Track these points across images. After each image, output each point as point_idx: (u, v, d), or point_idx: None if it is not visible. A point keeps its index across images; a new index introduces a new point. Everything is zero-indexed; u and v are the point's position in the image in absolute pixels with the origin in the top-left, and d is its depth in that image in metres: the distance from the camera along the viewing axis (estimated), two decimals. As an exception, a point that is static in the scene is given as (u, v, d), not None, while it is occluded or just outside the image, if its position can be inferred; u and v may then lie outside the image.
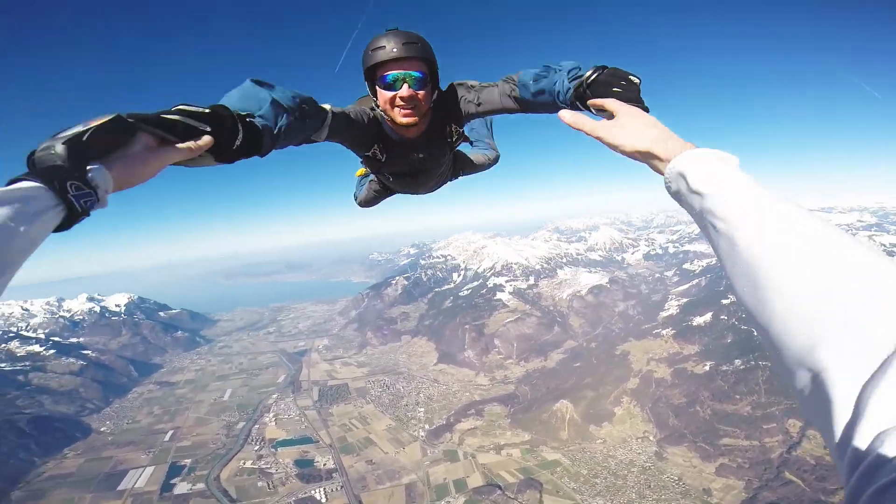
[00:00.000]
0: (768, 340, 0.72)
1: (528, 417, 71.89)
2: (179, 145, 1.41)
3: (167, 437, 74.61)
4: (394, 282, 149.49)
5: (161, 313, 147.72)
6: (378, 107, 2.63)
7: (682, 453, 57.03)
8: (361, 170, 3.47)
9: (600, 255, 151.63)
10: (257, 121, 1.70)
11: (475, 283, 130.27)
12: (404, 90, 2.45)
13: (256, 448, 70.23)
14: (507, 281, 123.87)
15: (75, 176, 1.10)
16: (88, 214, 1.15)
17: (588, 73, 1.98)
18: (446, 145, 3.07)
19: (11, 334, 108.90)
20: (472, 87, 2.81)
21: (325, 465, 65.63)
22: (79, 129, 1.19)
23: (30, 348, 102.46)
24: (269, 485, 60.52)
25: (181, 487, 61.06)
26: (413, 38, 2.47)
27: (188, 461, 67.05)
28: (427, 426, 75.08)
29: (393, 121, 2.60)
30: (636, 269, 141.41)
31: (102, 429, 79.61)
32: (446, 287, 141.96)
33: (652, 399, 67.54)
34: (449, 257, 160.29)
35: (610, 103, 1.66)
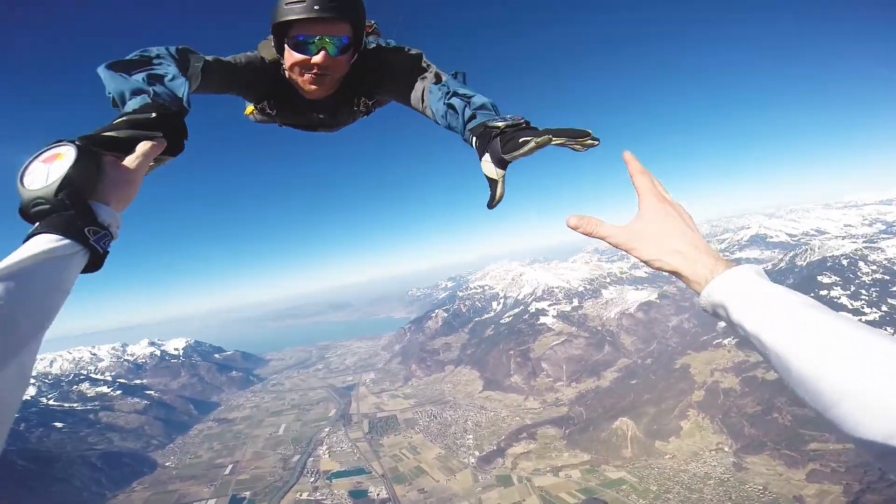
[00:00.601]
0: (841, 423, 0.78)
1: (585, 438, 68.95)
2: (140, 155, 1.40)
3: (227, 471, 76.27)
4: (434, 315, 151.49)
5: (216, 355, 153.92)
6: (282, 64, 2.24)
7: (765, 462, 53.05)
8: (250, 107, 2.91)
9: (646, 272, 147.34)
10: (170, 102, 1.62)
11: (516, 310, 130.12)
12: (319, 57, 2.04)
13: (312, 480, 70.89)
14: (549, 305, 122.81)
15: (90, 221, 1.14)
16: (108, 252, 1.19)
17: (498, 124, 1.70)
18: (351, 115, 2.76)
19: (82, 377, 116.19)
20: (400, 58, 2.46)
21: (378, 495, 65.32)
22: (58, 171, 1.17)
23: (98, 389, 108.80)
24: (325, 516, 60.22)
25: (241, 520, 61.27)
26: None
27: (248, 493, 68.18)
28: (477, 452, 73.58)
29: (299, 84, 2.24)
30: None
31: (167, 463, 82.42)
32: (486, 316, 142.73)
33: (722, 410, 63.54)
34: (487, 287, 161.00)
35: (641, 185, 1.40)
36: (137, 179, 1.37)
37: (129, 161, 1.37)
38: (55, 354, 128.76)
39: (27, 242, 1.06)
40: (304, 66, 2.10)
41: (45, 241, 1.06)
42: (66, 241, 1.08)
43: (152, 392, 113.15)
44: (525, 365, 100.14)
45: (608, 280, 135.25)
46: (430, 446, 78.30)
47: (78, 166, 1.19)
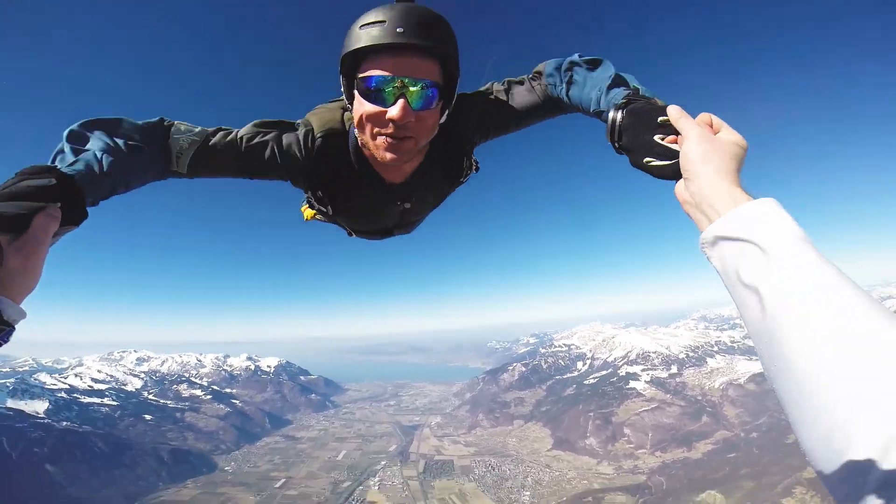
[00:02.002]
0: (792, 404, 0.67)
1: None
2: (40, 232, 1.14)
3: (278, 485, 78.90)
4: (511, 367, 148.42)
5: (302, 377, 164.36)
6: (350, 120, 1.64)
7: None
8: (309, 212, 2.34)
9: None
10: (68, 170, 1.24)
11: (604, 372, 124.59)
12: (397, 109, 1.36)
13: (354, 508, 69.28)
14: (643, 370, 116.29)
15: None
16: (8, 342, 1.03)
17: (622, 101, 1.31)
18: (449, 186, 1.99)
19: (183, 378, 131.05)
20: (488, 93, 1.84)
21: (415, 536, 60.78)
22: None
23: (193, 392, 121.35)
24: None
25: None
26: (434, 19, 1.38)
27: None
28: None
29: (375, 155, 1.53)
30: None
31: (226, 468, 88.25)
32: (569, 375, 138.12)
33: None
34: (573, 346, 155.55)
35: (686, 126, 1.09)
36: (39, 264, 1.11)
37: (28, 242, 1.11)
38: (168, 356, 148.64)
39: None
40: (378, 122, 1.42)
41: None
42: None
43: (237, 402, 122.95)
44: (604, 428, 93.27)
45: (715, 349, 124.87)
46: (482, 497, 75.87)
47: None
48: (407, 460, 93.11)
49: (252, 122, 1.62)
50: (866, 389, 0.57)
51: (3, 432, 75.37)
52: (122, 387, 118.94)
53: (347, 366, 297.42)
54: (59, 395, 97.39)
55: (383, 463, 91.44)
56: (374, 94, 1.37)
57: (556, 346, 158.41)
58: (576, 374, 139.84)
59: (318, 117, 1.65)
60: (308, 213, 2.28)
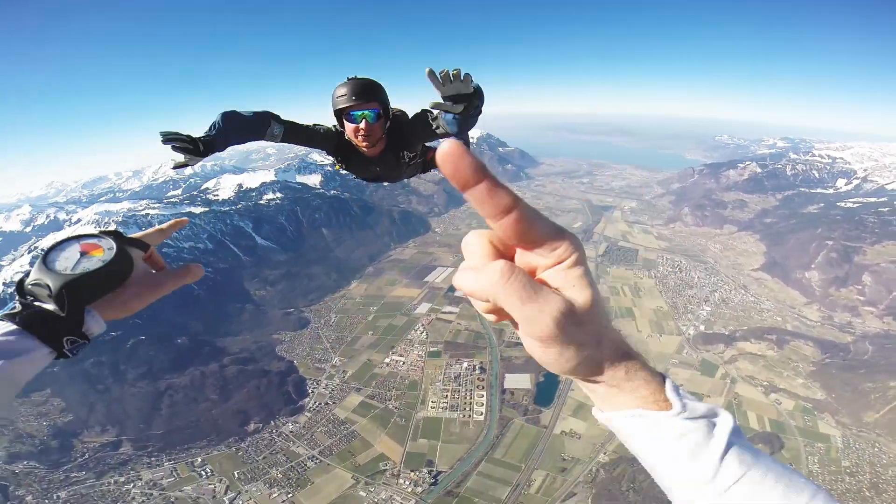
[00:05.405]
0: None
1: (839, 378, 54.23)
2: (180, 279, 1.30)
3: None
4: (742, 165, 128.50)
5: (500, 148, 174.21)
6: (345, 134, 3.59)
7: None
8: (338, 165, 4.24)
9: None
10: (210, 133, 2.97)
11: (873, 199, 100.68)
12: (363, 124, 3.38)
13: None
14: None
15: (73, 330, 1.06)
16: (76, 355, 1.11)
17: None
18: (400, 165, 3.88)
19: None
20: (417, 115, 3.56)
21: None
22: (84, 265, 1.11)
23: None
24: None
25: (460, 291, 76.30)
26: (367, 85, 3.35)
27: None
28: (702, 327, 65.92)
29: (356, 145, 3.60)
30: None
31: (436, 229, 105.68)
32: (820, 190, 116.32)
33: None
34: (839, 160, 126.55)
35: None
36: (153, 299, 1.25)
37: (161, 281, 1.26)
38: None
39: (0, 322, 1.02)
40: (355, 132, 3.44)
41: (18, 337, 1.00)
42: (38, 345, 1.02)
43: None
44: (838, 265, 77.03)
45: None
46: (656, 296, 73.58)
47: (104, 272, 1.13)
48: (588, 240, 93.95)
49: (314, 122, 3.69)
50: None
51: (297, 202, 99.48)
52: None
53: (544, 140, 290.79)
54: (326, 168, 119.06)
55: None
56: (350, 119, 3.37)
57: (814, 156, 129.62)
58: (831, 191, 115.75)
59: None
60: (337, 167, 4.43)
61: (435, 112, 3.11)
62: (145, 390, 53.18)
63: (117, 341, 56.15)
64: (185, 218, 1.73)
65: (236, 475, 43.84)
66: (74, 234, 1.18)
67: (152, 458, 46.14)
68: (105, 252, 1.15)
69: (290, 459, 45.70)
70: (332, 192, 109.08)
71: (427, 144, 3.93)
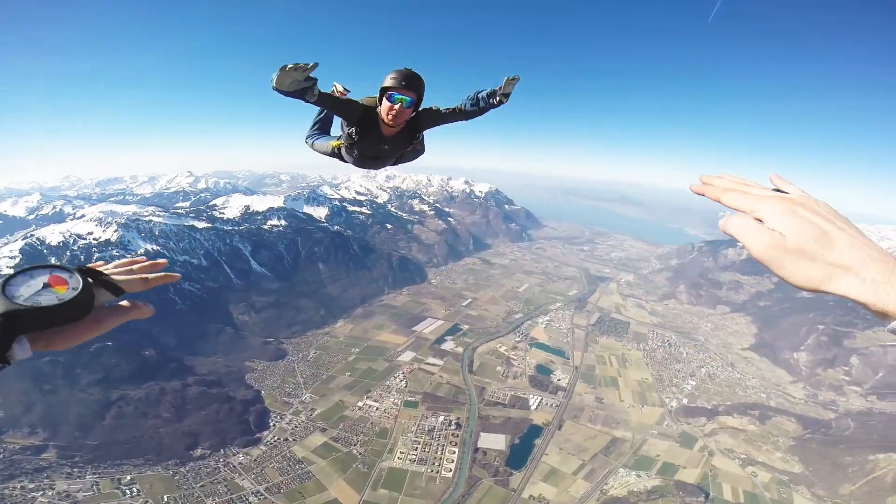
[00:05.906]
0: None
1: (819, 452, 54.23)
2: (126, 317, 1.30)
3: (465, 303, 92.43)
4: (741, 245, 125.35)
5: (507, 206, 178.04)
6: (378, 107, 4.35)
7: None
8: (337, 142, 5.14)
9: None
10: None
11: None
12: (398, 106, 4.16)
13: (517, 339, 78.93)
14: None
15: None
16: None
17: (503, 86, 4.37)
18: (404, 146, 4.87)
19: (416, 195, 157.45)
20: (432, 110, 4.65)
21: (558, 380, 67.63)
22: (38, 298, 1.10)
23: (422, 207, 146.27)
24: (503, 373, 68.54)
25: (447, 345, 75.33)
26: (415, 77, 4.16)
27: (466, 327, 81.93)
28: (685, 401, 65.69)
29: (384, 120, 4.37)
30: None
31: (433, 280, 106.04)
32: None
33: None
34: None
35: (734, 203, 1.15)
36: (90, 337, 1.24)
37: (109, 317, 1.26)
38: (407, 175, 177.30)
39: None
40: (389, 110, 4.22)
41: None
42: None
43: (452, 220, 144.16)
44: (827, 348, 77.54)
45: None
46: (643, 368, 73.72)
47: (54, 310, 1.10)
48: (582, 308, 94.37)
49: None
50: None
51: (299, 233, 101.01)
52: (375, 199, 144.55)
53: (551, 203, 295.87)
54: (335, 203, 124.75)
55: (558, 304, 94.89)
56: (391, 99, 4.19)
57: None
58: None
59: (368, 99, 4.55)
60: (335, 143, 5.27)
61: (496, 98, 4.41)
62: (94, 397, 51.73)
63: (82, 343, 56.02)
64: (177, 274, 1.62)
65: (165, 499, 42.02)
66: (50, 263, 1.17)
67: (75, 469, 44.25)
68: (67, 291, 1.12)
69: (230, 491, 43.93)
70: (336, 227, 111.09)
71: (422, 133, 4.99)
